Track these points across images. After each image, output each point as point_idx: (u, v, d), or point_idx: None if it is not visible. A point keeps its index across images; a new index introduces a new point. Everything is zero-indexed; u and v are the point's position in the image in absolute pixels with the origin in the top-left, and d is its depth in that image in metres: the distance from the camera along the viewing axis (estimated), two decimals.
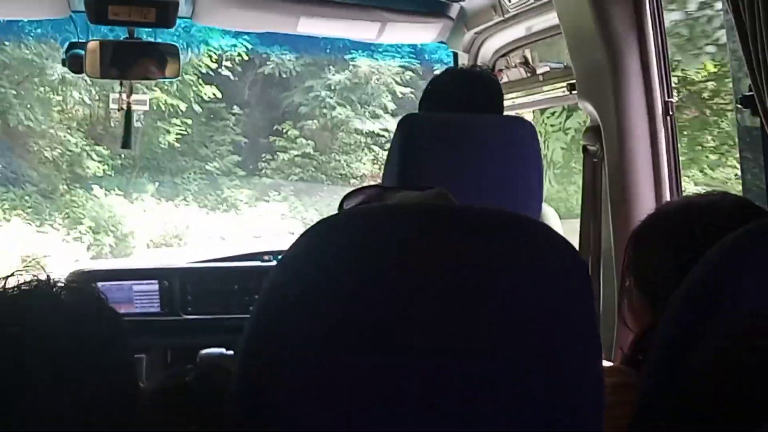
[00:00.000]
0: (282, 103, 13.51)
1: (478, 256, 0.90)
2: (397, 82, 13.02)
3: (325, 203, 12.46)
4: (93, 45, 2.91)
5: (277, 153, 13.28)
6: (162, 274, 3.09)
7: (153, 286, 3.06)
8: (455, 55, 3.31)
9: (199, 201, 12.73)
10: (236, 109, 13.44)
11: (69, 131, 12.07)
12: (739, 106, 1.76)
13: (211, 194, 12.86)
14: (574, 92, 2.35)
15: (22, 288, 0.98)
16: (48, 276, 1.01)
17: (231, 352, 3.12)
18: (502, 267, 0.91)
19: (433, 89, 2.13)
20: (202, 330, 3.04)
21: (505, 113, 2.92)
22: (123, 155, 11.99)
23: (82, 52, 2.93)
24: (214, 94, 12.51)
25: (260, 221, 12.42)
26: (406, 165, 1.86)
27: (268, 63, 12.72)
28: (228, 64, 12.21)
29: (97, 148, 12.10)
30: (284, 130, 13.25)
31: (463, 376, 0.88)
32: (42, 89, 11.82)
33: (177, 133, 12.64)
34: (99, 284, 3.08)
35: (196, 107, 12.61)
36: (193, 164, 12.99)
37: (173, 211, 12.29)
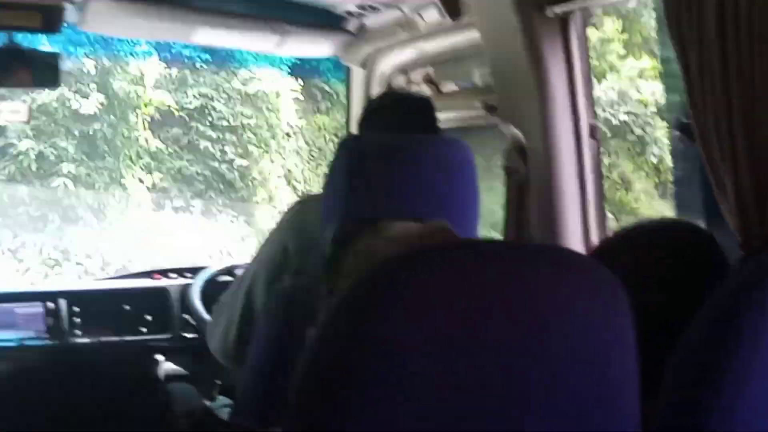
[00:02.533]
0: None
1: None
2: None
3: None
4: None
5: None
6: (46, 296, 2.88)
7: (37, 308, 2.85)
8: (348, 70, 3.28)
9: None
10: None
11: None
12: (676, 132, 1.83)
13: None
14: (493, 113, 2.36)
15: None
16: None
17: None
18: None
19: (371, 112, 2.12)
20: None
21: None
22: None
23: None
24: None
25: None
26: (354, 188, 1.81)
27: None
28: None
29: None
30: None
31: None
32: None
33: None
34: None
35: None
36: None
37: None
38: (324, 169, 10.72)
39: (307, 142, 12.19)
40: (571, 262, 0.94)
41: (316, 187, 10.90)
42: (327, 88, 11.77)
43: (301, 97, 11.94)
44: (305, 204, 2.25)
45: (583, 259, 0.98)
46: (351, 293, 0.89)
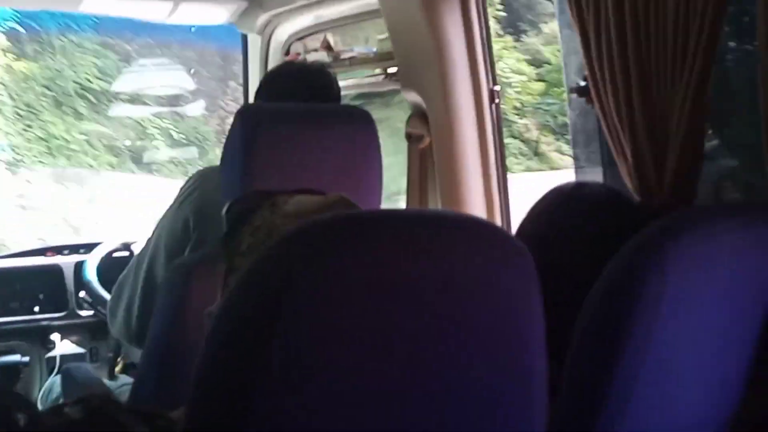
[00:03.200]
0: None
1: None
2: None
3: None
4: None
5: None
6: None
7: None
8: (244, 37, 3.20)
9: None
10: None
11: None
12: (573, 95, 1.84)
13: None
14: (394, 79, 2.34)
15: None
16: None
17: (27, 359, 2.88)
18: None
19: (269, 81, 2.06)
20: None
21: None
22: None
23: None
24: None
25: None
26: (252, 160, 1.75)
27: None
28: None
29: None
30: None
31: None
32: None
33: None
34: None
35: None
36: None
37: None
38: (38, 132, 9.50)
39: (12, 97, 9.64)
40: (480, 231, 0.92)
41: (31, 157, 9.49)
42: (35, 24, 9.25)
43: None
44: (205, 176, 2.18)
45: (491, 228, 0.96)
46: (250, 273, 0.85)
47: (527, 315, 0.96)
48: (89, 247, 3.03)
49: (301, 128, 1.82)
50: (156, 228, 2.19)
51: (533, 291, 0.96)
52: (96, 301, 2.81)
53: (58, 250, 3.12)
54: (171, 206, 2.17)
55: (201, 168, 2.27)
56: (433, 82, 2.15)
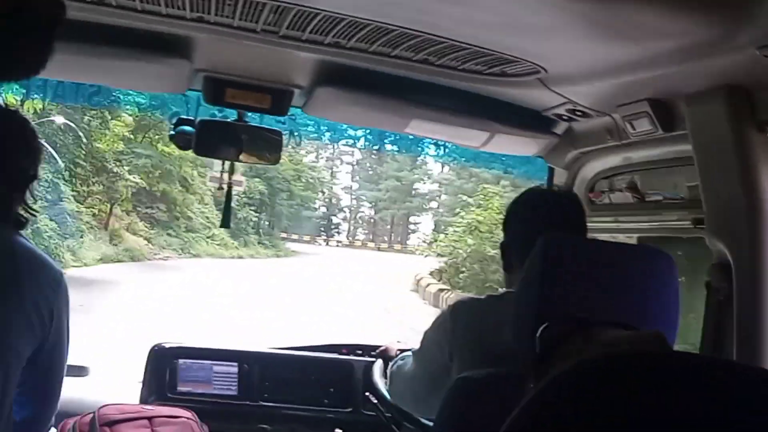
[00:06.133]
0: None
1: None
2: None
3: None
4: (204, 123, 2.94)
5: None
6: (243, 357, 3.06)
7: (233, 368, 3.03)
8: (551, 170, 3.32)
9: None
10: None
11: None
12: None
13: None
14: (699, 226, 2.33)
15: None
16: None
17: None
18: None
19: (521, 209, 2.19)
20: (274, 419, 3.00)
21: (602, 235, 2.92)
22: None
23: (190, 129, 2.96)
24: None
25: None
26: (549, 286, 1.82)
27: None
28: None
29: None
30: None
31: None
32: None
33: None
34: (180, 361, 3.06)
35: None
36: None
37: None
38: None
39: None
40: None
41: None
42: None
43: None
44: (457, 309, 2.33)
45: None
46: (542, 392, 0.91)
47: None
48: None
49: (604, 264, 1.87)
50: (417, 350, 2.37)
51: None
52: (381, 402, 2.98)
53: (352, 349, 3.35)
54: (426, 334, 2.35)
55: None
56: (742, 233, 2.11)
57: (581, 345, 1.27)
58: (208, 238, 34.60)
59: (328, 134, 3.57)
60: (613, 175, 3.00)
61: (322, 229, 54.15)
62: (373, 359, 3.18)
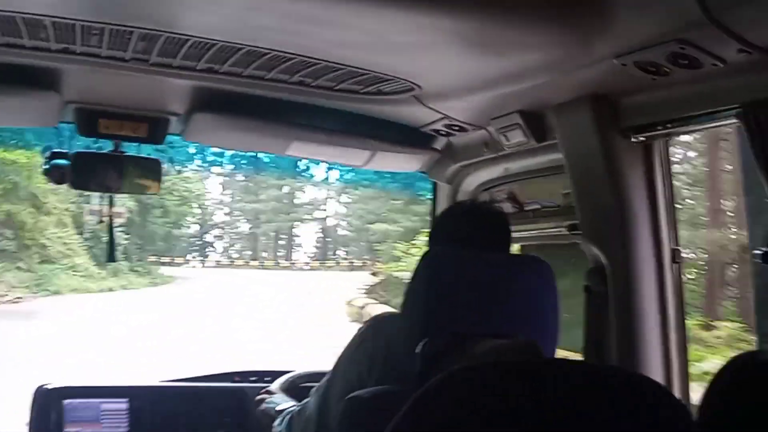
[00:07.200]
0: None
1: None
2: None
3: None
4: (80, 156, 2.85)
5: None
6: (132, 392, 2.97)
7: (122, 404, 2.95)
8: (435, 184, 3.37)
9: None
10: None
11: None
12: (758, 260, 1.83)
13: None
14: (575, 232, 2.40)
15: None
16: None
17: None
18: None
19: (445, 224, 2.18)
20: None
21: None
22: None
23: (64, 162, 2.87)
24: None
25: None
26: (438, 304, 1.84)
27: None
28: None
29: None
30: None
31: None
32: None
33: None
34: (65, 402, 2.95)
35: None
36: None
37: None
38: None
39: None
40: (648, 393, 0.95)
41: None
42: None
43: None
44: (376, 327, 2.30)
45: (663, 392, 0.99)
46: (416, 402, 0.93)
47: None
48: (276, 375, 3.19)
49: (485, 276, 1.90)
50: (334, 368, 2.31)
51: None
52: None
53: (245, 376, 3.30)
54: (349, 349, 2.29)
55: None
56: (614, 237, 2.19)
57: (459, 357, 1.29)
58: (69, 269, 28.28)
59: (211, 158, 3.52)
60: (493, 186, 3.06)
61: (196, 248, 50.09)
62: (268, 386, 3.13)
